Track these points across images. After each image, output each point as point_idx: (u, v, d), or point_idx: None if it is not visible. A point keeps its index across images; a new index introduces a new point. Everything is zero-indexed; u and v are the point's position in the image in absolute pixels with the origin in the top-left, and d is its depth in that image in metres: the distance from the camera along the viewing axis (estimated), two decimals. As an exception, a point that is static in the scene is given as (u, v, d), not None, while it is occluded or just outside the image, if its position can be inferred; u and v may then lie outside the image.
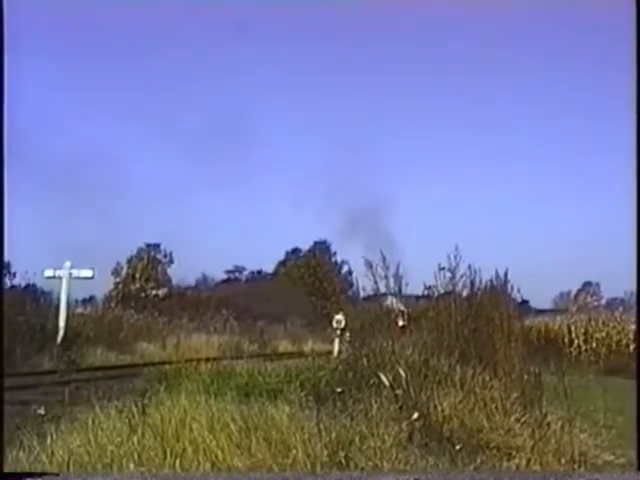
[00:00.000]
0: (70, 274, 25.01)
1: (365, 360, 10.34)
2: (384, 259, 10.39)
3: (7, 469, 6.13)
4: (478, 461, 7.17)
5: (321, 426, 7.07)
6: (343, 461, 6.64)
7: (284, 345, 34.75)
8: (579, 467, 7.34)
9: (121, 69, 60.02)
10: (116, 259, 49.22)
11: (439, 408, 8.26)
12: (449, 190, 67.94)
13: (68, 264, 25.16)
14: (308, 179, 67.76)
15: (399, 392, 8.42)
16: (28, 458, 6.37)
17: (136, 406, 7.65)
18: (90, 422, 7.17)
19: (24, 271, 27.26)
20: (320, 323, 39.20)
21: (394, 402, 8.36)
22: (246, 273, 60.89)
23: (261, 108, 65.10)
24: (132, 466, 6.35)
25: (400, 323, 10.61)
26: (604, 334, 27.81)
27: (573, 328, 28.36)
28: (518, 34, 54.07)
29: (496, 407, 8.89)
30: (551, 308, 44.38)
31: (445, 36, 57.06)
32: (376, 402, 8.40)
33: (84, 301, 36.68)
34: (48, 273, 25.36)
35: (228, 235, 67.19)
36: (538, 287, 45.42)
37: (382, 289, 10.71)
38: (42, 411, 7.75)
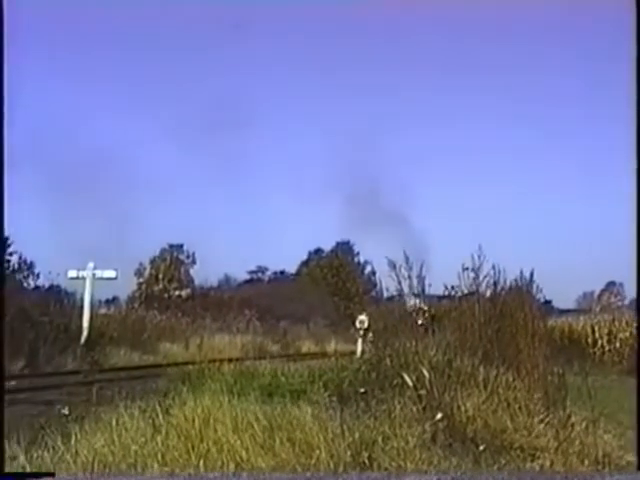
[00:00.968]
0: (93, 275, 25.16)
1: (388, 360, 10.31)
2: (407, 259, 10.41)
3: (32, 469, 6.16)
4: (502, 462, 7.16)
5: (344, 426, 7.08)
6: (366, 461, 6.63)
7: (307, 345, 34.64)
8: (603, 468, 7.30)
9: (138, 64, 59.65)
10: (139, 260, 49.37)
11: (462, 409, 8.24)
12: (474, 189, 67.24)
13: (91, 265, 25.32)
14: (332, 179, 67.56)
15: (422, 392, 8.41)
16: (52, 458, 6.38)
17: (160, 406, 7.67)
18: (114, 422, 7.17)
19: (48, 272, 27.63)
20: (343, 323, 39.05)
21: (417, 402, 8.36)
22: (269, 273, 60.76)
23: (275, 105, 64.64)
24: (156, 466, 6.37)
25: (419, 322, 10.57)
26: (628, 334, 27.47)
27: (597, 328, 28.08)
28: (526, 31, 53.61)
29: (520, 408, 8.85)
30: (574, 308, 44.05)
31: (450, 34, 56.36)
32: (399, 402, 8.39)
33: (107, 302, 36.83)
34: (72, 274, 25.52)
35: (250, 236, 67.08)
36: (561, 287, 45.16)
37: (405, 289, 10.71)
38: (66, 411, 7.79)
